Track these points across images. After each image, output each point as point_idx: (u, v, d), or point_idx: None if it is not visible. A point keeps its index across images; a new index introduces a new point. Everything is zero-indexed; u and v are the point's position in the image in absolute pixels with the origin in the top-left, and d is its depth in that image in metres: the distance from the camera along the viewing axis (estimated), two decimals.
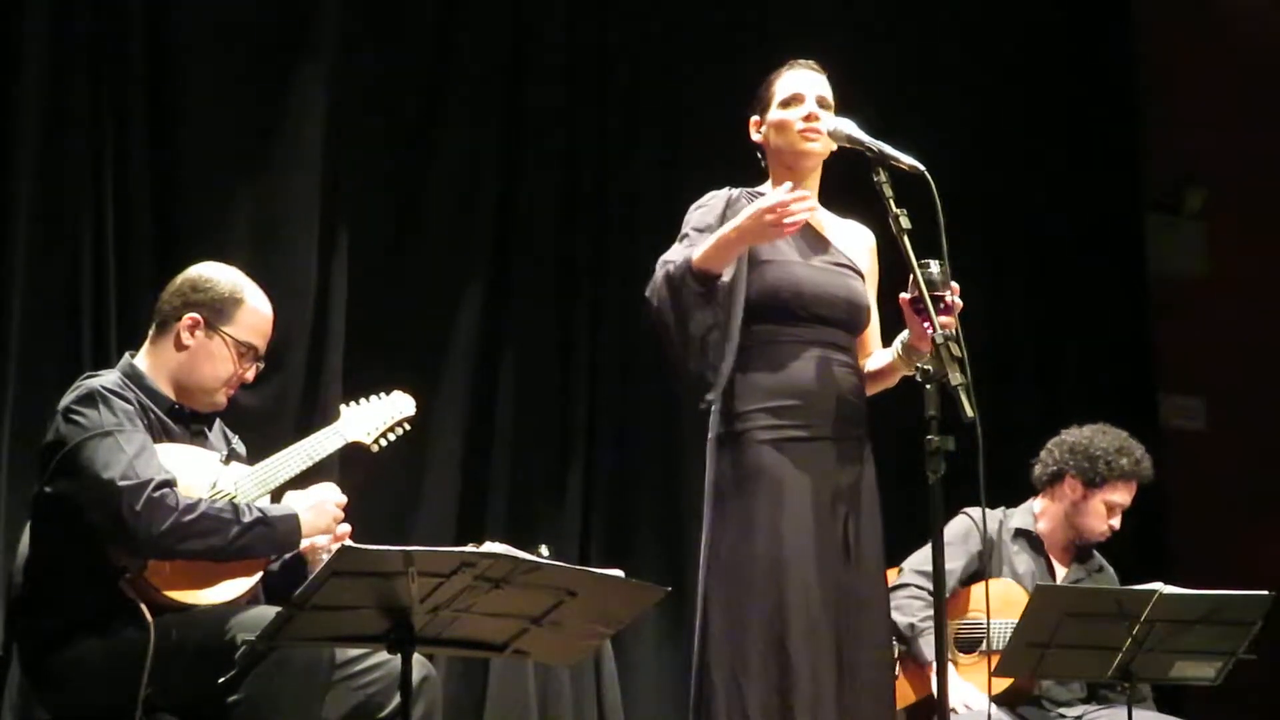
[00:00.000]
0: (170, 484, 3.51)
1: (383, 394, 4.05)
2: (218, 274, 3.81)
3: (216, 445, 3.82)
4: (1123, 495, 4.81)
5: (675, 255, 3.65)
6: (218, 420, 3.90)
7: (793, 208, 3.48)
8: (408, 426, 4.07)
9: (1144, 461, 4.82)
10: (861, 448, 3.74)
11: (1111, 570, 4.95)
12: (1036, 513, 4.89)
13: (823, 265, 3.76)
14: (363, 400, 4.03)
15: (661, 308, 3.60)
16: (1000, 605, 4.48)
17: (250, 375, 3.82)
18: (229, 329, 3.75)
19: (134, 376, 3.73)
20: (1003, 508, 4.86)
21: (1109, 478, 4.78)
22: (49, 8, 4.85)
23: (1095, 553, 4.93)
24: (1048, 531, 4.86)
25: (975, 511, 4.71)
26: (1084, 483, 4.80)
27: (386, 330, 5.45)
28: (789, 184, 3.57)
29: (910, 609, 4.57)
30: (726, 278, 3.62)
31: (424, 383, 5.42)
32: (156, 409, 3.70)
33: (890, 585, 4.55)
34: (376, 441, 3.99)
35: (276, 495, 3.78)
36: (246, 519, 3.56)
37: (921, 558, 4.62)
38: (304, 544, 3.69)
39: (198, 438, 3.78)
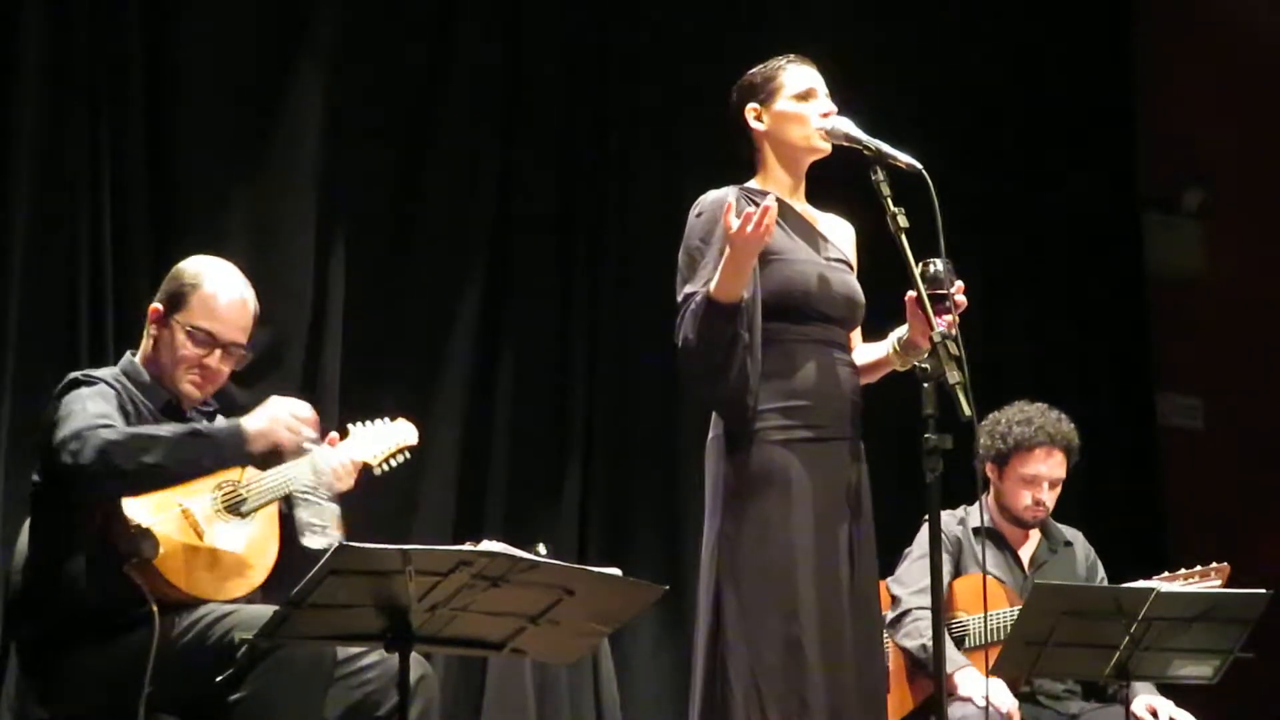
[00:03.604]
0: (106, 420, 3.53)
1: (388, 419, 4.06)
2: (189, 264, 3.84)
3: None
4: (1034, 466, 4.72)
5: (693, 287, 3.62)
6: (219, 418, 3.90)
7: (755, 218, 3.43)
8: (408, 455, 4.08)
9: (1047, 426, 4.72)
10: (859, 447, 3.74)
11: (1081, 545, 4.90)
12: (986, 506, 4.84)
13: (825, 261, 3.76)
14: (369, 422, 4.03)
15: (696, 347, 3.56)
16: (974, 599, 4.46)
17: (215, 362, 3.77)
18: (180, 316, 3.75)
19: (131, 373, 3.76)
20: (963, 506, 4.78)
21: (1012, 451, 4.71)
22: (46, 7, 4.85)
23: (1062, 529, 4.89)
24: (998, 522, 4.82)
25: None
26: (995, 463, 4.76)
27: (384, 330, 5.46)
28: (731, 201, 3.51)
29: (918, 631, 4.49)
30: (748, 295, 3.60)
31: (422, 381, 5.46)
32: (150, 405, 3.71)
33: (892, 616, 4.54)
34: (381, 465, 4.00)
35: (285, 503, 3.78)
36: (180, 431, 3.56)
37: (914, 576, 4.60)
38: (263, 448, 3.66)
39: None
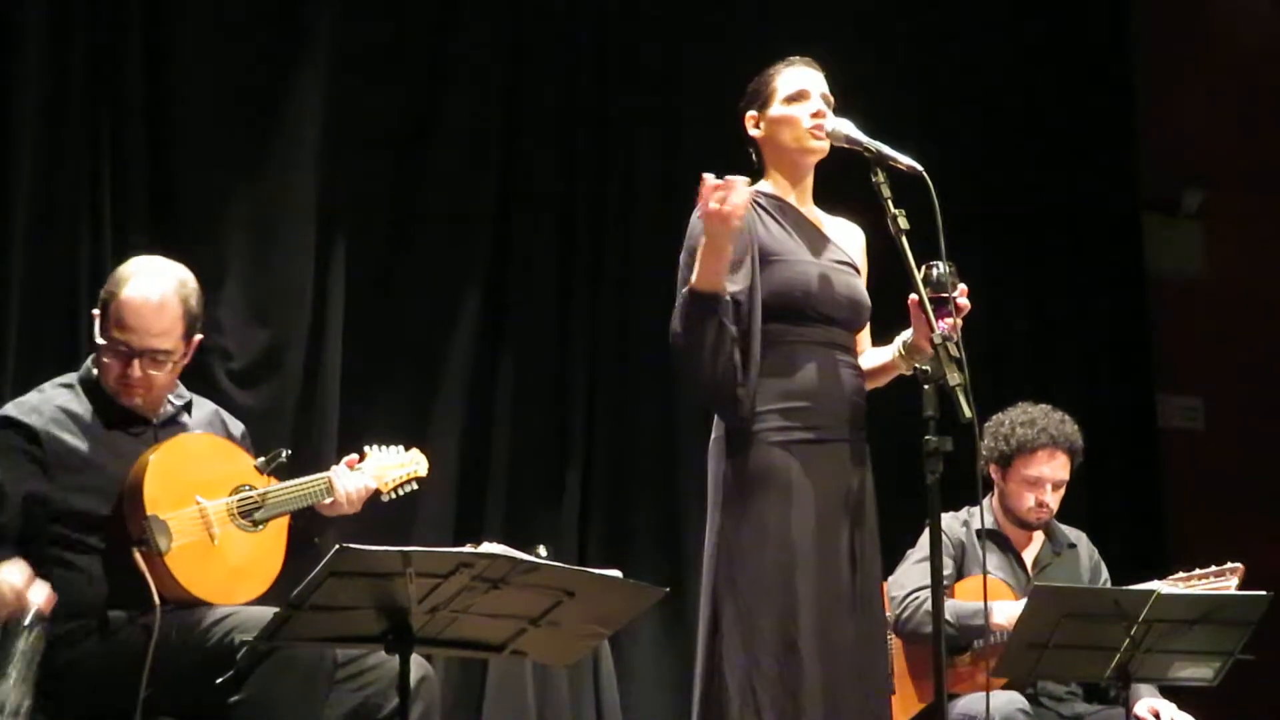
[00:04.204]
0: None
1: (401, 447, 4.06)
2: (120, 268, 3.73)
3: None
4: (1038, 468, 4.73)
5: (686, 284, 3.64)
6: (199, 410, 3.86)
7: (718, 195, 3.42)
8: (416, 486, 4.08)
9: (1050, 427, 4.73)
10: (864, 449, 3.74)
11: (1085, 547, 4.90)
12: (991, 508, 4.84)
13: (828, 263, 3.76)
14: (384, 447, 4.03)
15: (682, 340, 3.57)
16: (976, 600, 4.46)
17: (137, 371, 3.64)
18: (102, 325, 3.66)
19: (86, 383, 3.70)
20: (966, 508, 4.78)
21: (1015, 452, 4.72)
22: (47, 8, 4.85)
23: (1066, 531, 4.89)
24: (1002, 524, 4.82)
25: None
26: (998, 465, 4.77)
27: (384, 330, 5.45)
28: (708, 176, 3.48)
29: (927, 613, 4.50)
30: (736, 286, 3.60)
31: (422, 382, 5.45)
32: (103, 415, 3.65)
33: (890, 617, 4.52)
34: (392, 492, 4.00)
35: (298, 516, 3.79)
36: None
37: (912, 579, 4.59)
38: None
39: (148, 436, 3.72)
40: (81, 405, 3.68)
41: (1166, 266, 7.24)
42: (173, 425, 3.77)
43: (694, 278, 3.55)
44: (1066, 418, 4.79)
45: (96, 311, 3.68)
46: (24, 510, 3.55)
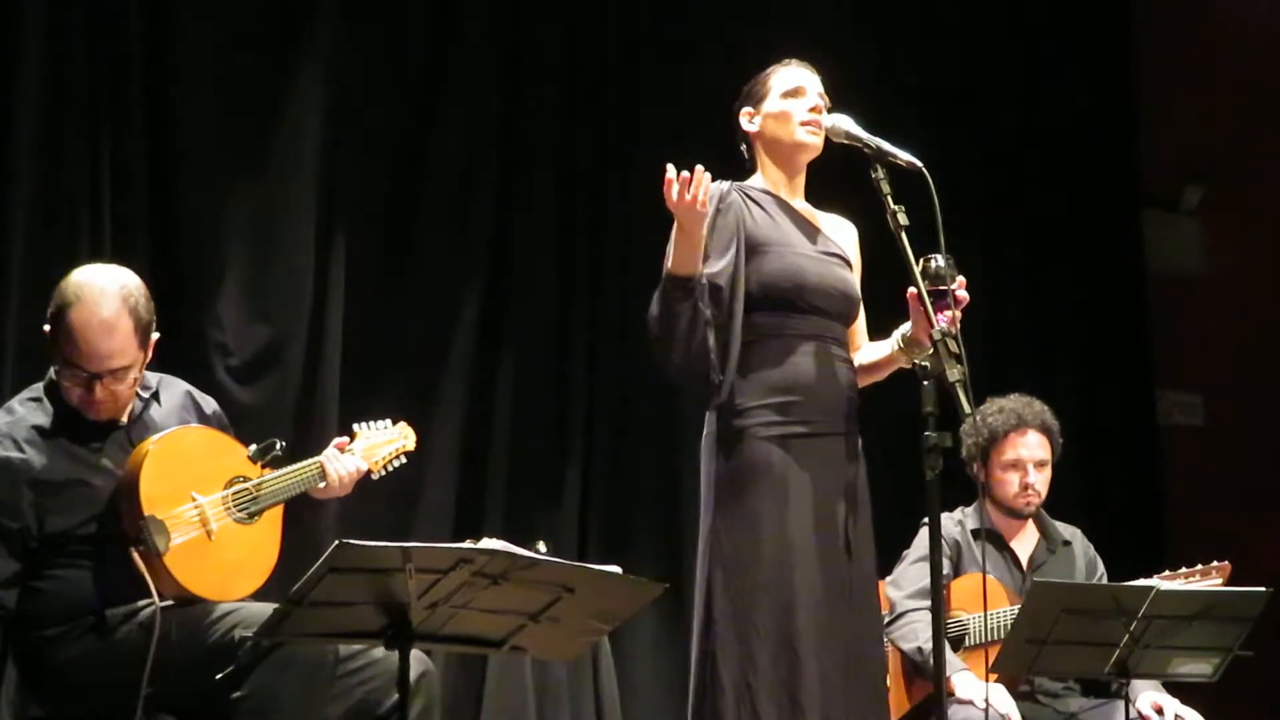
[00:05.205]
0: None
1: (389, 421, 4.06)
2: (65, 283, 3.59)
3: (166, 426, 3.74)
4: (1013, 450, 4.76)
5: None
6: (168, 394, 3.82)
7: (679, 185, 3.48)
8: (405, 459, 4.10)
9: (1018, 409, 4.76)
10: (856, 443, 3.74)
11: (1080, 544, 4.90)
12: (984, 507, 4.85)
13: (818, 255, 3.77)
14: (371, 424, 4.03)
15: (655, 320, 3.60)
16: (973, 599, 4.47)
17: (100, 390, 3.57)
18: (56, 345, 3.57)
19: (52, 395, 3.65)
20: (960, 508, 4.81)
21: (990, 442, 4.75)
22: (46, 9, 4.85)
23: (1060, 528, 4.89)
24: (996, 520, 4.83)
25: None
26: (980, 461, 4.77)
27: (384, 328, 5.46)
28: (669, 166, 3.53)
29: (914, 634, 4.50)
30: (714, 269, 3.62)
31: (422, 380, 5.46)
32: (66, 425, 3.61)
33: (888, 619, 4.53)
34: (382, 469, 4.01)
35: (292, 505, 3.79)
36: None
37: (910, 579, 4.60)
38: None
39: (120, 437, 3.69)
40: (50, 418, 3.62)
41: (1167, 262, 7.24)
42: (141, 420, 3.73)
43: (668, 261, 3.58)
44: (1035, 400, 4.83)
45: (48, 328, 3.58)
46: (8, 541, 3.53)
